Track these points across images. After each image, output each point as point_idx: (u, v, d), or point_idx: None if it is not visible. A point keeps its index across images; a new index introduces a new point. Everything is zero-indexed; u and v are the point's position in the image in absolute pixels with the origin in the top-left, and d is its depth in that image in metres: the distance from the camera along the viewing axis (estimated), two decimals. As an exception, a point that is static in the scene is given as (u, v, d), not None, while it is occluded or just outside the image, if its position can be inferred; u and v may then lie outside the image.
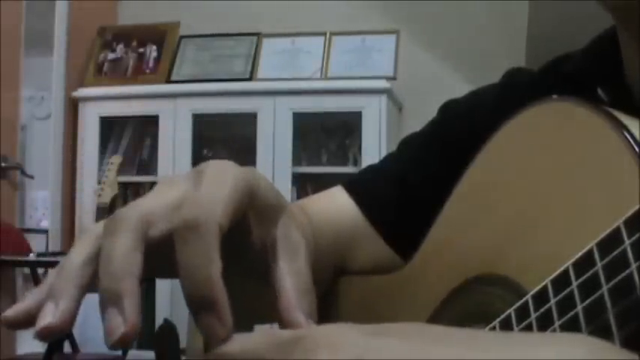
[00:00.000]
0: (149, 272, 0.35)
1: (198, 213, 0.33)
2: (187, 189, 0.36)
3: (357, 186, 0.64)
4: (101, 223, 0.36)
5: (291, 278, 0.36)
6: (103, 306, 0.33)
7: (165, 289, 3.14)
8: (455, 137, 0.60)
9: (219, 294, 0.33)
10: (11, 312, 0.35)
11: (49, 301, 0.34)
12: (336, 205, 0.62)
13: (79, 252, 0.36)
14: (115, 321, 0.33)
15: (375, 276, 0.59)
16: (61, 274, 0.35)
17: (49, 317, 0.34)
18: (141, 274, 0.34)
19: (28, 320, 0.35)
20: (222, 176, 0.36)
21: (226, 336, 0.32)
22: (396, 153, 0.66)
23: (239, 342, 0.32)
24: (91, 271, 0.35)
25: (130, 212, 0.35)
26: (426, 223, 0.54)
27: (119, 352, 2.93)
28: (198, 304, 0.32)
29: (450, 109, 0.64)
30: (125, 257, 0.34)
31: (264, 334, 0.32)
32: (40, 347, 2.80)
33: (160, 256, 0.35)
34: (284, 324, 0.35)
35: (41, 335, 0.34)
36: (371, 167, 0.67)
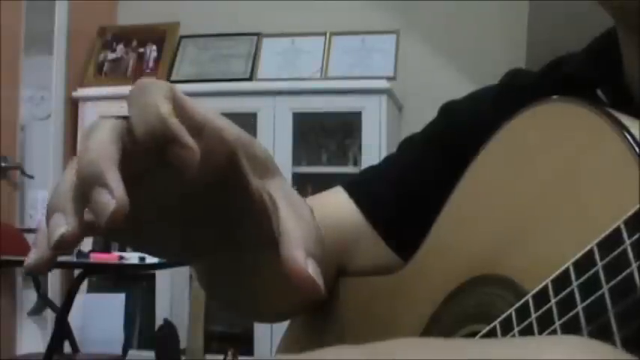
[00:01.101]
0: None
1: (146, 82, 0.35)
2: None
3: (357, 187, 0.64)
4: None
5: (293, 220, 0.36)
6: (87, 191, 0.32)
7: (166, 289, 3.14)
8: (455, 138, 0.60)
9: (174, 126, 0.33)
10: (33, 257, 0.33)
11: (52, 217, 0.32)
12: (336, 206, 0.62)
13: (68, 176, 0.34)
14: (103, 198, 0.31)
15: (376, 277, 0.59)
16: (54, 198, 0.33)
17: (61, 228, 0.32)
18: (118, 161, 0.33)
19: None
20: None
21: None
22: (396, 154, 0.66)
23: None
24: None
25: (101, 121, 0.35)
26: (426, 224, 0.54)
27: (119, 352, 2.94)
28: (157, 140, 0.33)
29: (450, 110, 0.64)
30: (101, 145, 0.33)
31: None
32: (40, 347, 2.80)
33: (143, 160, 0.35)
34: (284, 263, 0.34)
35: (58, 245, 0.32)
36: (371, 168, 0.67)
